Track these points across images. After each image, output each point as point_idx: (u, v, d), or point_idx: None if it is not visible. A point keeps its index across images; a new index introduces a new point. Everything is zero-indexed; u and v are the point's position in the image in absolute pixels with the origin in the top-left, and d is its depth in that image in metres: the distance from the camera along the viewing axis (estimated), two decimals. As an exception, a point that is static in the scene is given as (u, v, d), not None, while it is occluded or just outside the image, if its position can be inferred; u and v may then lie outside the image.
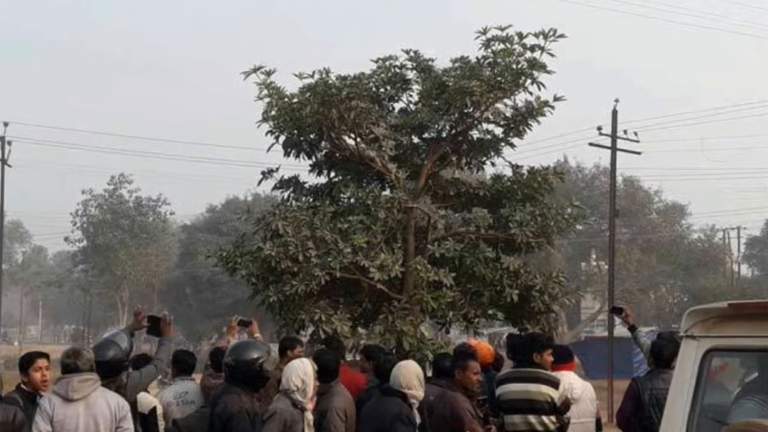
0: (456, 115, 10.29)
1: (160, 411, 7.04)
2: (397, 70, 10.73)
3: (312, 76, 10.06)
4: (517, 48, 9.93)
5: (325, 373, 6.58)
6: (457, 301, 9.94)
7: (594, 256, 52.38)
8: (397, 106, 10.98)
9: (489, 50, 10.07)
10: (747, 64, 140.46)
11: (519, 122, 10.33)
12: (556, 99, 10.23)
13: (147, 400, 6.86)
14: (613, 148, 26.02)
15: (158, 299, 58.32)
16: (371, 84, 10.47)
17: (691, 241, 55.78)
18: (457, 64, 10.34)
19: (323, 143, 10.60)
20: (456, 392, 6.86)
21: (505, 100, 10.29)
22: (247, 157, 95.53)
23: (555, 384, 7.03)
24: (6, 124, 36.24)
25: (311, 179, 10.93)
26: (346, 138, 10.36)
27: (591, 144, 26.98)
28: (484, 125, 10.64)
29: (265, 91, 10.23)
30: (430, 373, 7.60)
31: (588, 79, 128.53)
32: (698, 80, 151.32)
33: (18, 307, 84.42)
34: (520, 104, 10.31)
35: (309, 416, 6.09)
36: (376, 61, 10.72)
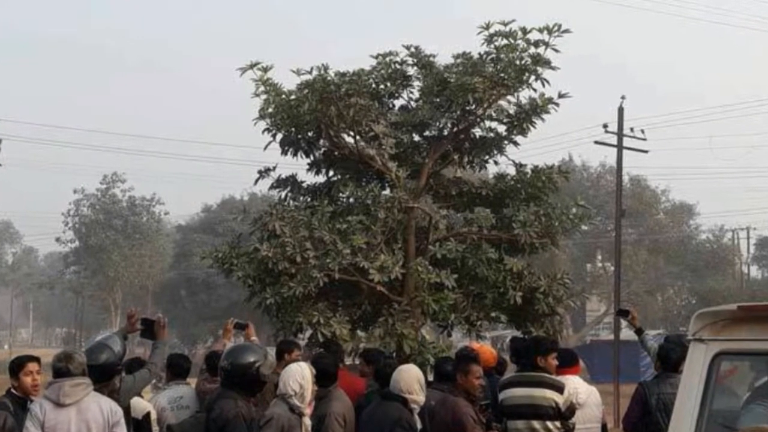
0: (458, 112, 10.30)
1: (154, 416, 7.04)
2: (398, 66, 10.74)
3: (310, 72, 10.07)
4: (521, 43, 9.95)
5: (324, 378, 6.57)
6: (459, 303, 9.95)
7: (600, 257, 52.46)
8: (398, 103, 11.01)
9: (492, 46, 10.08)
10: (757, 60, 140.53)
11: (522, 120, 10.34)
12: (560, 96, 10.24)
13: (141, 405, 6.86)
14: (620, 147, 26.03)
15: (152, 301, 58.36)
16: (371, 80, 10.48)
17: (700, 241, 55.84)
18: (459, 60, 10.34)
19: (321, 141, 10.61)
20: (458, 397, 6.85)
21: (509, 97, 10.31)
22: (243, 155, 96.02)
23: (560, 388, 7.02)
24: (-4, 122, 36.33)
25: (309, 178, 10.97)
26: (345, 136, 10.37)
27: (597, 142, 27.01)
28: (487, 123, 10.66)
29: (262, 88, 10.23)
30: (431, 378, 7.60)
31: (593, 76, 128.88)
32: (707, 76, 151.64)
33: (8, 310, 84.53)
34: (523, 101, 10.33)
35: (307, 422, 6.09)
36: (376, 57, 10.73)
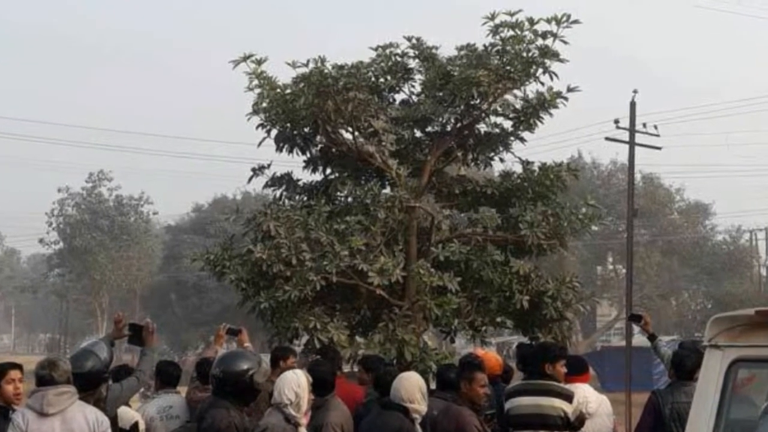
0: (462, 107, 10.31)
1: (142, 426, 7.05)
2: (399, 59, 10.76)
3: (306, 65, 10.08)
4: (528, 35, 9.95)
5: (321, 386, 6.58)
6: (462, 307, 9.96)
7: (611, 260, 52.49)
8: (398, 97, 11.03)
9: (497, 37, 10.08)
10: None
11: (530, 115, 10.35)
12: (569, 90, 10.25)
13: (128, 414, 6.87)
14: (632, 143, 26.01)
15: (140, 306, 58.43)
16: (370, 74, 10.49)
17: (716, 243, 55.85)
18: (462, 52, 10.35)
19: (318, 137, 10.61)
20: (462, 406, 6.87)
21: (515, 91, 10.32)
22: (236, 152, 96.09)
23: (568, 397, 7.03)
24: (-28, 117, 36.35)
25: (305, 176, 10.98)
26: (343, 132, 10.38)
27: (607, 138, 27.01)
28: (492, 118, 10.67)
29: (256, 81, 10.25)
30: (433, 386, 7.61)
31: (604, 69, 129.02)
32: (723, 70, 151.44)
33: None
34: (530, 95, 10.34)
35: (303, 432, 6.10)
36: (376, 49, 10.74)
